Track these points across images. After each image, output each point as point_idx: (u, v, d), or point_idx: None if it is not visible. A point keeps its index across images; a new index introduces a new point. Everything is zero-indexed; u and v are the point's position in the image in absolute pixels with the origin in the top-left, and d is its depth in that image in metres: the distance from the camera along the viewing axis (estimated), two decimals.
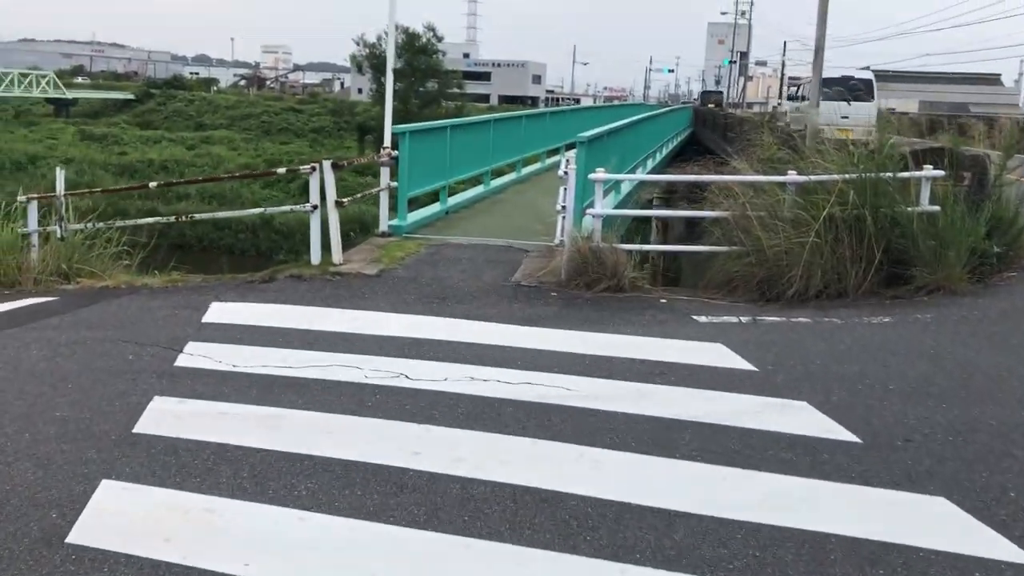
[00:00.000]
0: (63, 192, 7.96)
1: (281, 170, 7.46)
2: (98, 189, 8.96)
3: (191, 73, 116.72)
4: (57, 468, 3.61)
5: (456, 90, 56.21)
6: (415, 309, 6.40)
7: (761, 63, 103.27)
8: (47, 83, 72.39)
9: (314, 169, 7.15)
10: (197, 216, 8.28)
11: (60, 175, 8.04)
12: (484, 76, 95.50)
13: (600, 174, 7.52)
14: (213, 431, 4.04)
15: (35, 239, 8.11)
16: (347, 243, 8.10)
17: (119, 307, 6.64)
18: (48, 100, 74.20)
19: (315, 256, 7.43)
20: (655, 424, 4.19)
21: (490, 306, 6.53)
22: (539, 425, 4.17)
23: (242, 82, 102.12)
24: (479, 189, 12.15)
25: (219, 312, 6.35)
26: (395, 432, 4.08)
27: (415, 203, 9.77)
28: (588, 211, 7.68)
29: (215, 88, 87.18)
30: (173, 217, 7.82)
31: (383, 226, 8.82)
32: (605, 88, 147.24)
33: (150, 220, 8.18)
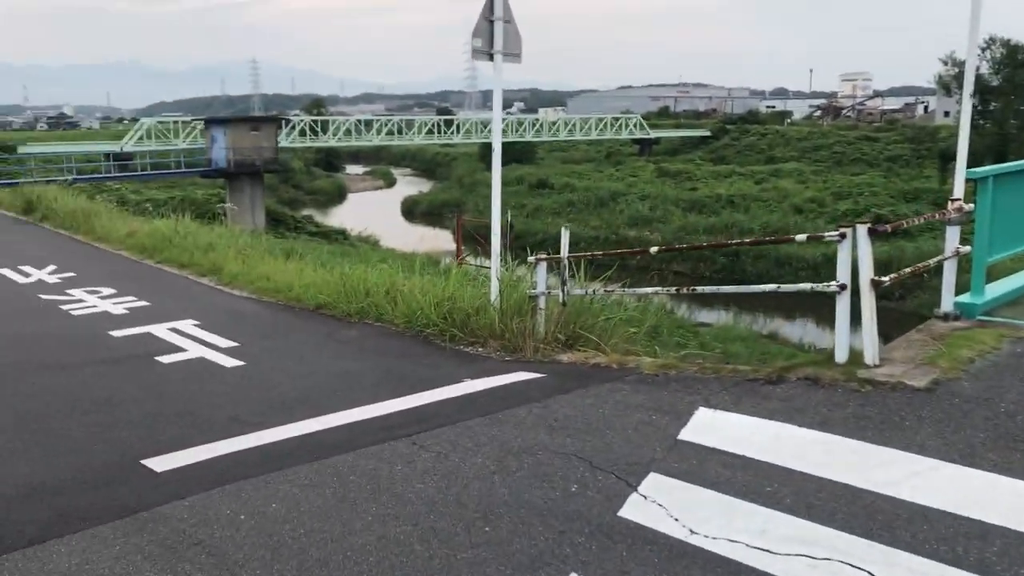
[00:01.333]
0: (567, 254, 7.36)
1: (800, 237, 5.50)
2: (599, 252, 8.05)
3: (767, 107, 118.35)
4: None
5: None
6: (988, 460, 4.21)
7: None
8: (634, 125, 79.30)
9: (843, 236, 5.36)
10: (699, 289, 6.99)
11: (565, 236, 7.47)
12: None
13: None
14: None
15: (542, 302, 7.66)
16: (885, 321, 6.09)
17: (595, 400, 5.66)
18: (634, 141, 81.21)
19: (840, 353, 5.60)
20: None
21: None
22: None
23: (817, 113, 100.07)
24: None
25: (703, 425, 4.96)
26: None
27: (992, 272, 7.21)
28: None
29: (788, 121, 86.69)
30: (675, 289, 6.59)
31: (945, 305, 6.54)
32: None
33: (649, 291, 7.16)
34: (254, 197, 39.11)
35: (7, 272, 12.97)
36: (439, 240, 52.03)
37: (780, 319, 36.60)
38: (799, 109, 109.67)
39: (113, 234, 16.61)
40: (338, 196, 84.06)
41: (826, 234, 5.44)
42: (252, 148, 38.61)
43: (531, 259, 7.92)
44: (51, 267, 13.40)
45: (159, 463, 4.83)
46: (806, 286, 5.64)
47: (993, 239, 6.77)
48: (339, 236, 41.20)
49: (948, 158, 47.67)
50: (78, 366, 7.35)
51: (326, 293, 9.77)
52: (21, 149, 58.66)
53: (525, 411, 5.48)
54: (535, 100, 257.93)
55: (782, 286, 5.81)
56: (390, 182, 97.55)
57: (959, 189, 6.54)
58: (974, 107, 46.87)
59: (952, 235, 6.38)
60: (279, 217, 41.93)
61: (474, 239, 46.89)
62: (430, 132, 73.22)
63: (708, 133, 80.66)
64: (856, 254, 5.46)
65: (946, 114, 66.32)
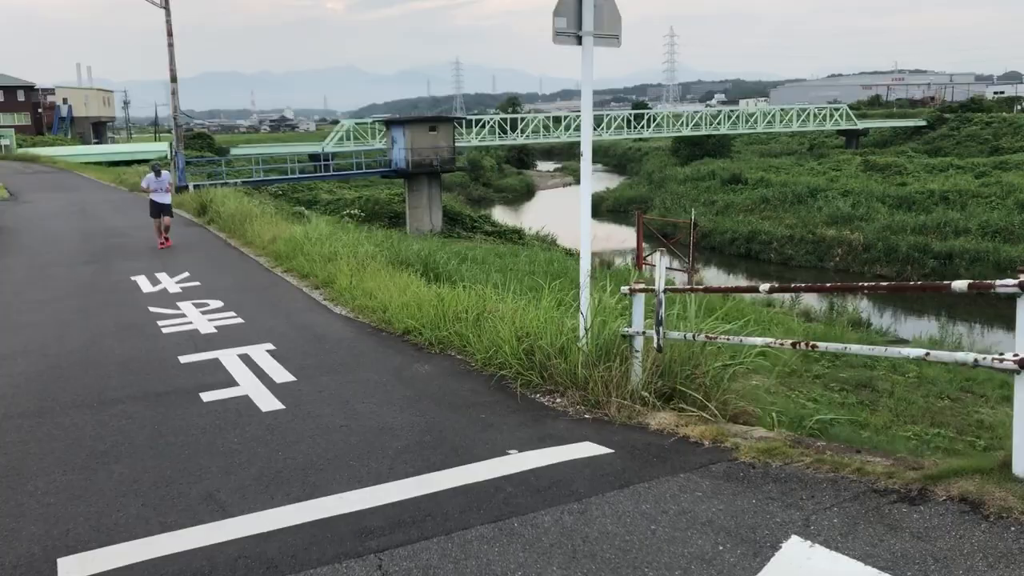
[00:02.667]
0: (663, 287, 5.76)
1: (959, 285, 3.61)
2: (703, 288, 6.25)
3: (995, 93, 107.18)
4: None
5: None
6: None
7: None
8: (840, 115, 73.80)
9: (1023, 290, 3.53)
10: (821, 345, 5.17)
11: (660, 263, 5.85)
12: None
13: None
14: None
15: (639, 343, 6.12)
16: None
17: (654, 506, 4.13)
18: (840, 132, 75.64)
19: (1020, 462, 3.73)
20: None
21: None
22: None
23: None
24: None
25: (788, 570, 3.34)
26: None
27: None
28: None
29: (1019, 107, 77.74)
30: (790, 343, 4.89)
31: None
32: None
33: (759, 341, 5.36)
34: (431, 196, 39.17)
35: (141, 280, 12.91)
36: (622, 238, 50.42)
37: (1000, 330, 32.20)
38: None
39: (258, 239, 16.47)
40: (526, 193, 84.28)
41: (997, 282, 3.59)
42: (430, 148, 38.66)
43: (624, 289, 6.39)
44: (183, 275, 13.24)
45: (73, 566, 3.84)
46: (967, 356, 3.78)
47: None
48: (514, 236, 40.56)
49: None
50: (113, 403, 6.65)
51: (417, 316, 8.67)
52: (234, 151, 62.82)
53: (552, 519, 4.04)
54: (737, 91, 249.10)
55: (932, 351, 3.94)
56: (579, 179, 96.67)
57: None
58: None
59: None
60: (456, 216, 41.87)
61: (658, 238, 45.31)
62: (619, 127, 71.55)
63: (924, 123, 73.78)
64: None
65: None
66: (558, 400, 6.22)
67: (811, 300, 32.42)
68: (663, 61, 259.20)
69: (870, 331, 25.51)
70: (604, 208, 67.46)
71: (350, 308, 10.13)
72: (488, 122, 65.35)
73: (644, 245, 45.21)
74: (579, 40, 6.35)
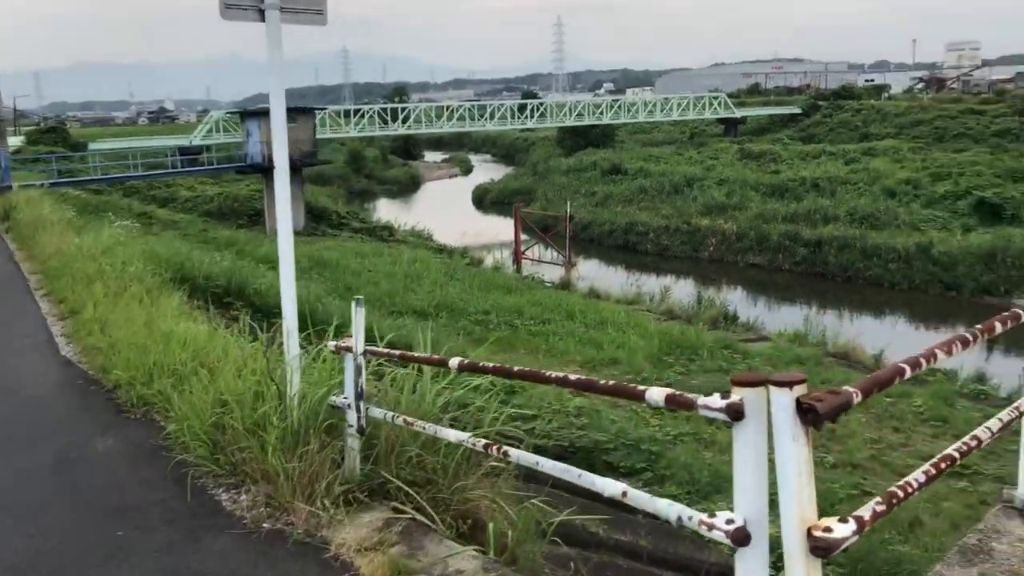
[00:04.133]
0: (361, 347, 4.28)
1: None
2: (398, 352, 4.60)
3: (866, 81, 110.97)
4: None
5: None
6: None
7: None
8: (718, 104, 74.52)
9: None
10: (514, 455, 3.82)
11: (358, 315, 4.35)
12: None
13: None
14: None
15: (353, 418, 4.63)
16: None
17: None
18: (719, 120, 76.44)
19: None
20: None
21: None
22: None
23: (919, 85, 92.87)
24: None
25: None
26: None
27: None
28: None
29: (886, 95, 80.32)
30: (483, 444, 3.80)
31: None
32: None
33: (451, 435, 3.86)
34: (292, 193, 36.82)
35: None
36: (496, 232, 49.12)
37: (867, 316, 32.40)
38: (900, 82, 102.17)
39: (42, 253, 14.36)
40: (412, 185, 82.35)
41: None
42: (289, 141, 36.21)
43: (331, 345, 4.88)
44: None
45: None
46: (669, 510, 2.43)
47: None
48: (385, 232, 38.80)
49: None
50: None
51: (140, 363, 6.97)
52: (93, 146, 58.63)
53: None
54: (625, 80, 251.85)
55: (629, 491, 2.58)
56: (467, 169, 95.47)
57: None
58: None
59: None
60: (322, 213, 39.76)
61: (536, 232, 44.28)
62: (503, 117, 70.40)
63: (799, 110, 75.23)
64: None
65: None
66: (242, 498, 4.70)
67: (681, 293, 31.98)
68: (552, 51, 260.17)
69: (737, 325, 25.00)
70: (488, 200, 66.28)
71: (80, 348, 8.35)
72: (368, 112, 63.18)
73: (524, 238, 44.29)
74: (262, 15, 4.85)
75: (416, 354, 4.28)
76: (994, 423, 2.76)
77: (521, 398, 13.71)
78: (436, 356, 4.10)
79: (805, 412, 1.93)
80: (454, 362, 3.50)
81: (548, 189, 58.86)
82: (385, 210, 59.50)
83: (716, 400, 2.10)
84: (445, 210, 60.89)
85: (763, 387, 2.04)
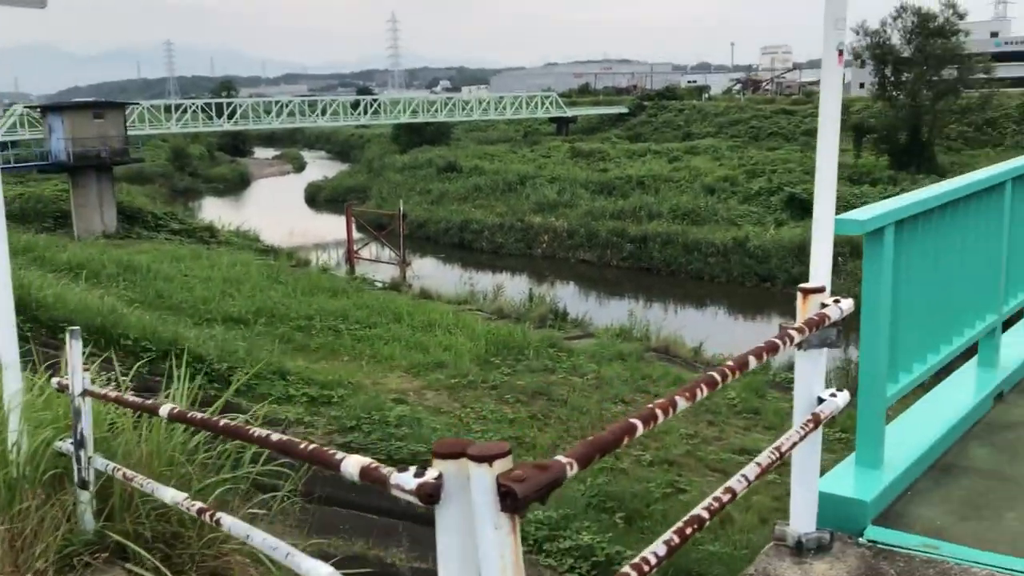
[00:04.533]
0: (80, 388, 3.61)
1: None
2: (114, 396, 4.02)
3: (689, 82, 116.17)
4: None
5: (981, 75, 45.14)
6: None
7: None
8: (550, 103, 75.81)
9: None
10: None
11: (74, 349, 3.67)
12: (1018, 56, 78.62)
13: None
14: None
15: (75, 469, 3.89)
16: None
17: None
18: (551, 119, 77.79)
19: None
20: None
21: None
22: None
23: (737, 87, 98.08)
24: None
25: None
26: None
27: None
28: None
29: (706, 95, 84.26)
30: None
31: (798, 523, 3.10)
32: None
33: (167, 495, 3.35)
34: (102, 193, 34.37)
35: None
36: (336, 231, 47.81)
37: (690, 308, 33.64)
38: (720, 84, 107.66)
39: None
40: (241, 183, 79.03)
41: None
42: (96, 138, 33.89)
43: (54, 383, 4.17)
44: None
45: None
46: None
47: (898, 351, 3.39)
48: (205, 233, 36.85)
49: (862, 132, 45.48)
50: None
51: None
52: None
53: None
54: (462, 78, 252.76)
55: None
56: (299, 166, 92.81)
57: (821, 265, 3.06)
58: (886, 78, 44.57)
59: (809, 374, 2.89)
60: (136, 214, 37.27)
61: (369, 231, 43.36)
62: (336, 113, 68.77)
63: (626, 110, 77.73)
64: None
65: (861, 85, 64.41)
66: None
67: (515, 290, 32.12)
68: (387, 47, 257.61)
69: (567, 322, 25.24)
70: (322, 198, 64.63)
71: None
72: (191, 107, 60.20)
73: (359, 237, 43.29)
74: None
75: (130, 398, 3.68)
76: (763, 457, 2.52)
77: (340, 408, 13.19)
78: (149, 402, 3.54)
79: (503, 496, 1.57)
80: (164, 410, 2.97)
81: (383, 187, 58.04)
82: (211, 210, 56.71)
83: (408, 480, 1.71)
84: (276, 209, 58.80)
85: (464, 459, 1.66)
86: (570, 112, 76.89)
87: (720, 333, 25.72)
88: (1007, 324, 4.63)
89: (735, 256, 35.92)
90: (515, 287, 33.79)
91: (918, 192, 3.56)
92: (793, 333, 2.49)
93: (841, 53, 2.74)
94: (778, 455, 2.42)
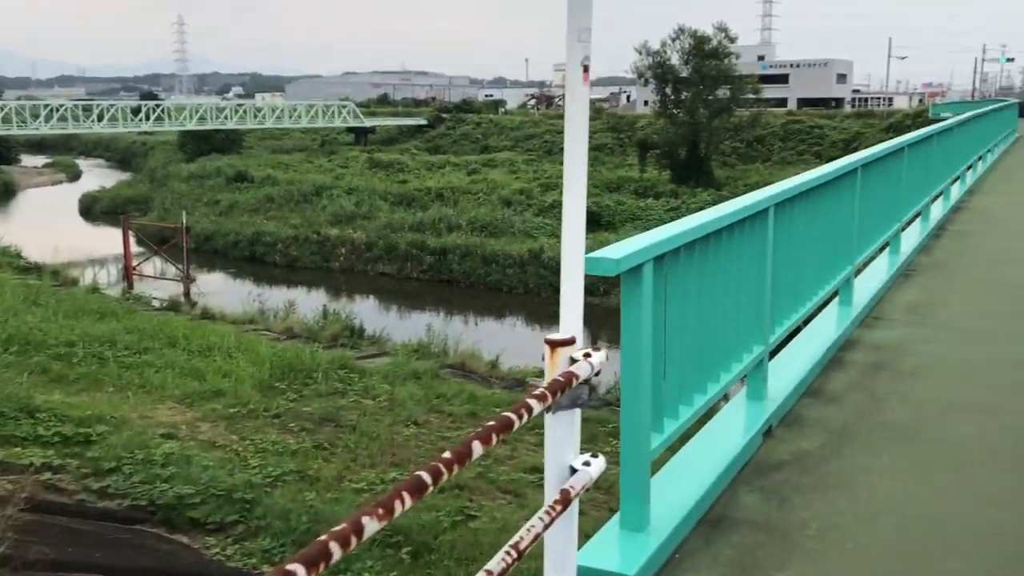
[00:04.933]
0: None
1: None
2: None
3: (486, 95, 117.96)
4: None
5: (751, 95, 48.87)
6: None
7: None
8: (348, 113, 74.36)
9: None
10: None
11: None
12: (781, 79, 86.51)
13: None
14: None
15: None
16: None
17: None
18: (349, 129, 76.35)
19: None
20: None
21: None
22: None
23: (531, 102, 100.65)
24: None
25: None
26: None
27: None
28: None
29: (503, 110, 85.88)
30: None
31: None
32: (925, 84, 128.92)
33: None
34: None
35: None
36: (113, 245, 44.17)
37: (490, 320, 33.74)
38: (516, 98, 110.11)
39: None
40: (3, 193, 71.75)
41: None
42: None
43: None
44: None
45: None
46: None
47: (663, 396, 3.11)
48: None
49: (646, 147, 47.85)
50: None
51: None
52: None
53: None
54: (255, 85, 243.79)
55: None
56: (74, 175, 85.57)
57: (571, 310, 2.69)
58: (667, 96, 47.13)
59: (561, 439, 2.51)
60: None
61: (149, 245, 40.34)
62: (114, 118, 63.94)
63: (425, 121, 77.68)
64: None
65: (645, 103, 67.92)
66: None
67: (310, 306, 30.88)
68: (174, 51, 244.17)
69: (363, 339, 24.43)
70: (99, 209, 59.69)
71: None
72: None
73: (140, 251, 40.19)
74: None
75: None
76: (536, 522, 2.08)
77: (98, 448, 11.85)
78: None
79: None
80: None
81: (167, 197, 54.51)
82: None
83: None
84: (44, 222, 53.75)
85: None
86: (368, 122, 75.85)
87: (518, 343, 25.86)
88: (773, 352, 4.54)
89: (531, 267, 36.46)
90: (310, 303, 32.53)
91: (678, 223, 3.32)
92: (533, 403, 2.08)
93: (587, 69, 2.38)
94: (530, 539, 1.99)
